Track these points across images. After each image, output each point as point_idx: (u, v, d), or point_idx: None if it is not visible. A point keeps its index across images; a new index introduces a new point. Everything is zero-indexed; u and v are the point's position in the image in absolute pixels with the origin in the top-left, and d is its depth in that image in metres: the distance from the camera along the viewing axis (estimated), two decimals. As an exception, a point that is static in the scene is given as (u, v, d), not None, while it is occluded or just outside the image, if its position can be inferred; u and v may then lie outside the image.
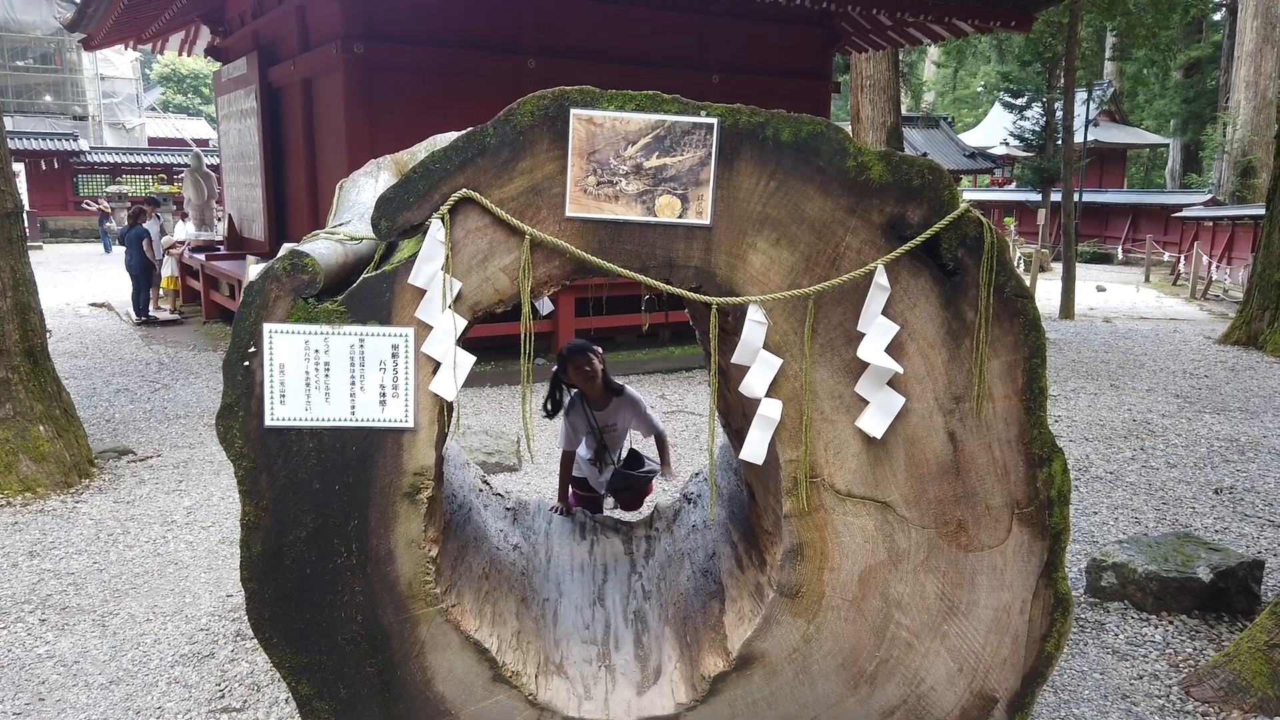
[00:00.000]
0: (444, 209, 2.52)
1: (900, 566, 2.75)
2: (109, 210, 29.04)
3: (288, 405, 2.57)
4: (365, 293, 2.56)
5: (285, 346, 2.55)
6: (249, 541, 2.64)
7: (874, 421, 2.65)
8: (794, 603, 2.77)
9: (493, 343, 9.78)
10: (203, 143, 36.75)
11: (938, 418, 2.69)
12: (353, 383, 2.58)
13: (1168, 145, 41.42)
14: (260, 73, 13.20)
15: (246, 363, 2.55)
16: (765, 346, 2.61)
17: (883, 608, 2.77)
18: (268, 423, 2.57)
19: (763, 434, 2.64)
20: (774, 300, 2.60)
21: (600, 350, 4.44)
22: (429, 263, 2.53)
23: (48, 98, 36.46)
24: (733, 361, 2.64)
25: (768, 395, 2.63)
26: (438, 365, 2.59)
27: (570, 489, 4.73)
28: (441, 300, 2.55)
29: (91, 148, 34.78)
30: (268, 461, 2.59)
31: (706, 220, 2.58)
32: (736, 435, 3.55)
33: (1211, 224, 26.78)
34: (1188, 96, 37.73)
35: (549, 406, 4.47)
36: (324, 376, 2.57)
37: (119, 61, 38.33)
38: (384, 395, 2.59)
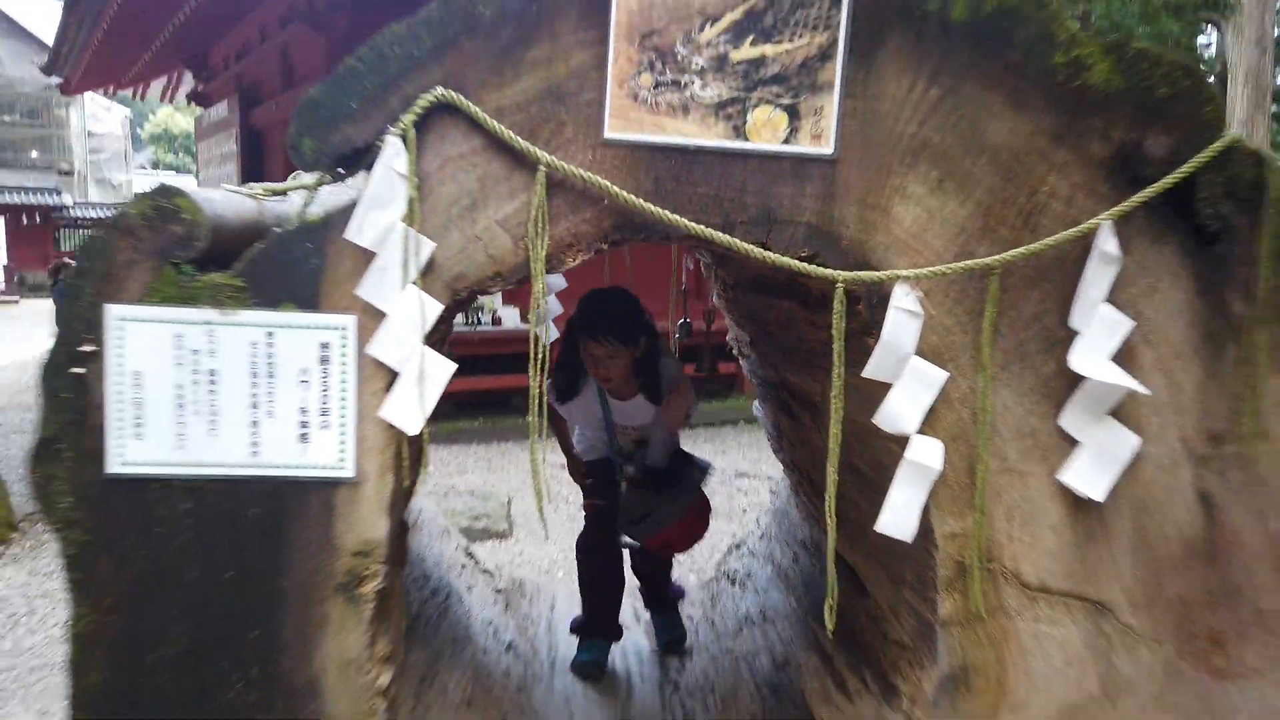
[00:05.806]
0: (407, 120, 1.55)
1: (1121, 704, 1.74)
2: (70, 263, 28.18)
3: (147, 442, 1.57)
4: (276, 258, 1.58)
5: (143, 343, 1.56)
6: (82, 666, 1.63)
7: (1090, 475, 1.66)
8: (953, 762, 1.75)
9: (481, 398, 8.77)
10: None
11: (1184, 471, 1.70)
12: (254, 405, 1.59)
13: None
14: (241, 115, 12.51)
15: (78, 370, 1.56)
16: (920, 352, 1.64)
17: (1092, 770, 1.76)
18: (112, 469, 1.57)
19: (913, 493, 1.65)
20: (934, 278, 1.63)
21: (647, 318, 2.74)
22: (381, 210, 1.56)
23: (34, 153, 35.87)
24: (868, 374, 1.65)
25: (921, 431, 1.65)
26: (394, 378, 1.61)
27: (585, 490, 3.17)
28: (402, 271, 1.57)
29: (76, 203, 34.06)
30: (112, 534, 1.58)
31: (828, 148, 1.62)
32: (815, 493, 2.56)
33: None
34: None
35: (560, 385, 2.87)
36: (207, 394, 1.58)
37: (107, 119, 37.78)
38: (306, 427, 1.60)
